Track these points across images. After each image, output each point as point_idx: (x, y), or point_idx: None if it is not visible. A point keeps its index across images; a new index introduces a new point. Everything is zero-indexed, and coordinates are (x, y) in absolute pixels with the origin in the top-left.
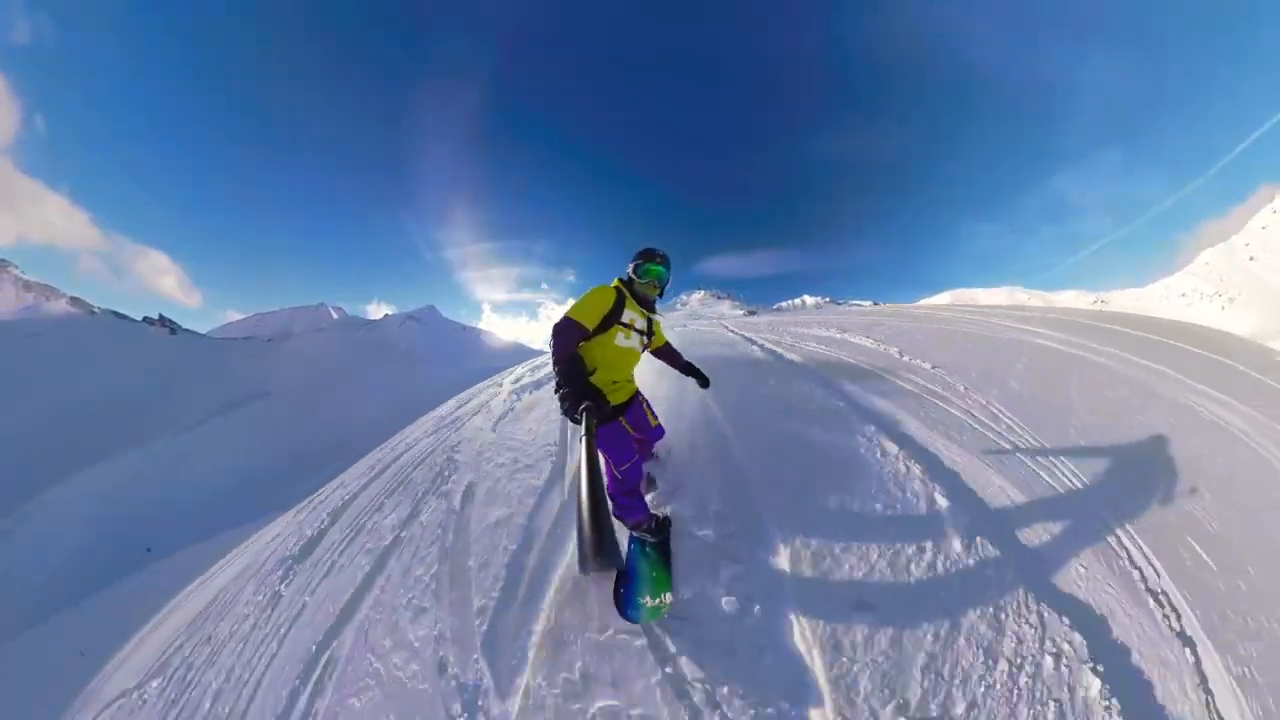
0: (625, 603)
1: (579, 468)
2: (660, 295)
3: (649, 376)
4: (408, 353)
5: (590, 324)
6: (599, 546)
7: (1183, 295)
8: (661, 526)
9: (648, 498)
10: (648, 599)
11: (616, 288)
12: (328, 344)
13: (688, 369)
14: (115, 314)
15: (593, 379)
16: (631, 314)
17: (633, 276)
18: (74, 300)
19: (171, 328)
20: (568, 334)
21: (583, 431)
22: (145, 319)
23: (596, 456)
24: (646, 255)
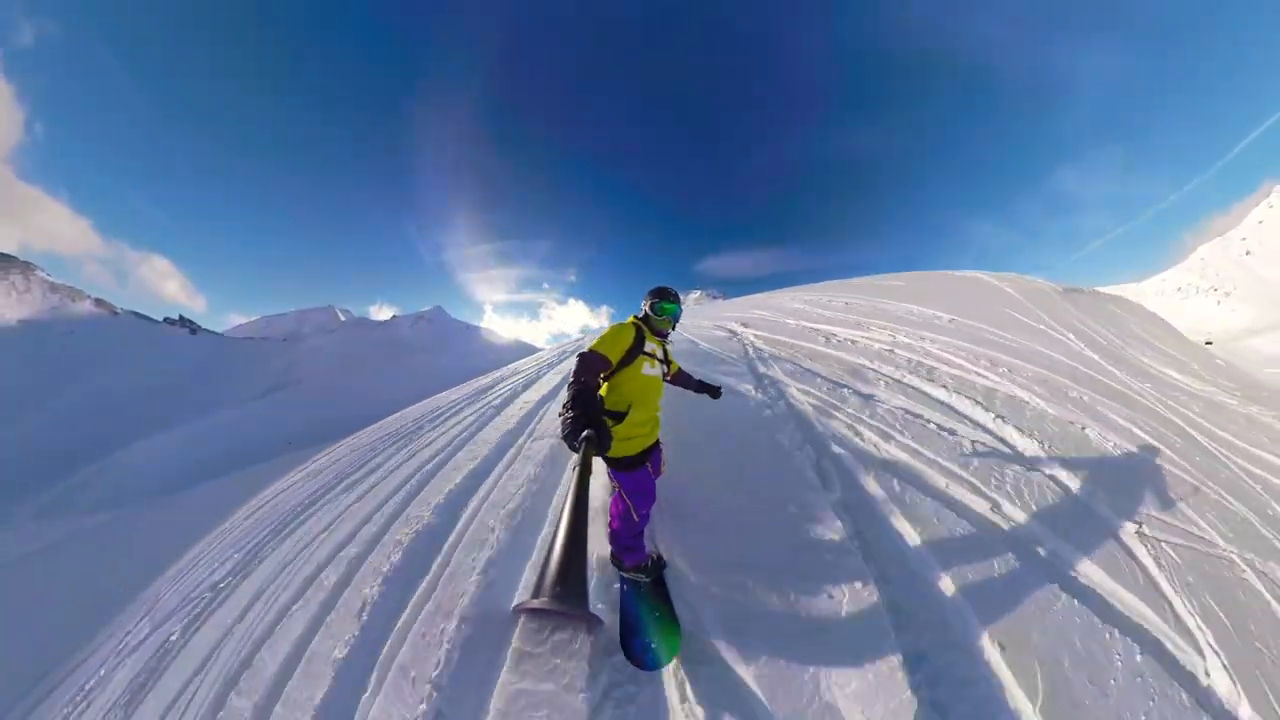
0: (637, 650)
1: (565, 498)
2: (673, 329)
3: None
4: (423, 348)
5: (613, 356)
6: (565, 577)
7: (1178, 290)
8: (657, 566)
9: None
10: (658, 642)
11: (634, 324)
12: (345, 342)
13: (701, 387)
14: (137, 314)
15: (629, 418)
16: (652, 345)
17: (649, 313)
18: (98, 301)
19: (191, 328)
20: (590, 363)
21: (577, 460)
22: (166, 319)
23: (586, 489)
24: (660, 294)
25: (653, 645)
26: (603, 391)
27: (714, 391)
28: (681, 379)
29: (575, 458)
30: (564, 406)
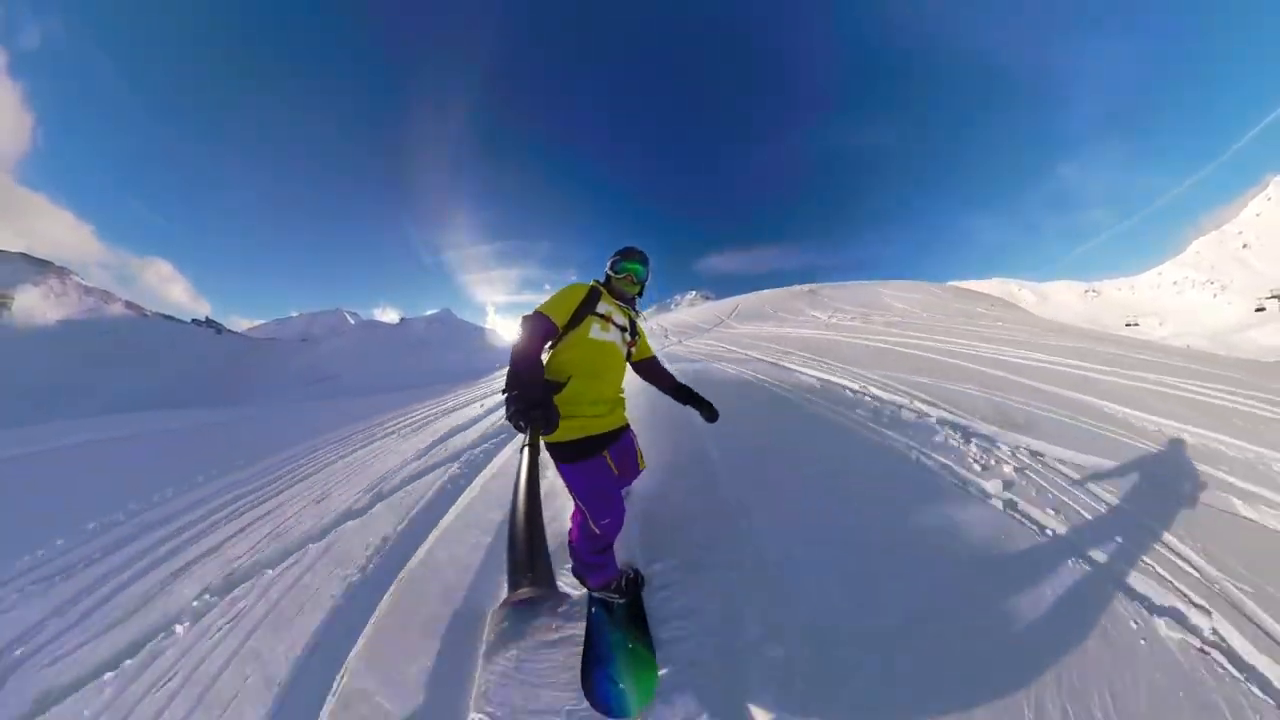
0: (600, 690)
1: (517, 481)
2: (640, 294)
3: None
4: (439, 346)
5: (559, 318)
6: (531, 564)
7: (1174, 284)
8: (632, 585)
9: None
10: (628, 682)
11: (592, 284)
12: (362, 341)
13: (681, 393)
14: (165, 316)
15: (568, 391)
16: (608, 306)
17: (610, 274)
18: (129, 304)
19: (216, 329)
20: (531, 327)
21: (525, 441)
22: (194, 321)
23: (537, 470)
24: (624, 253)
25: (620, 685)
26: (546, 360)
27: (706, 410)
28: (654, 372)
29: (522, 438)
30: (506, 383)
